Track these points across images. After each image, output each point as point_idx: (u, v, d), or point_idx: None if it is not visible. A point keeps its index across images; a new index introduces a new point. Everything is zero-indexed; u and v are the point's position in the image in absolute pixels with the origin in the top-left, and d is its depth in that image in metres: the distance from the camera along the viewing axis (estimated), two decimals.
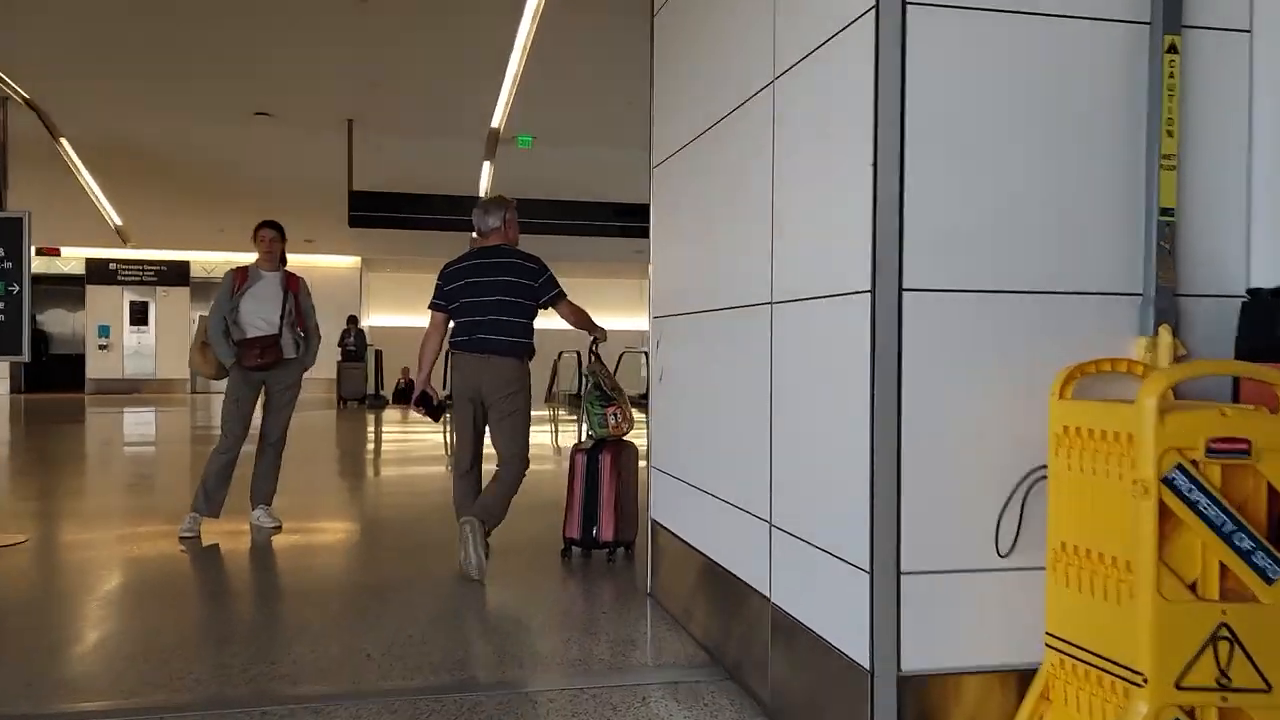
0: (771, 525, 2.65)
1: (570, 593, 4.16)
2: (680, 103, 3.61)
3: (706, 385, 3.25)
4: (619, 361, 19.55)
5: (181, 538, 5.04)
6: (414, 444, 11.72)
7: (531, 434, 4.69)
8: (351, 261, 20.79)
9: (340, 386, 15.85)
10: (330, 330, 16.91)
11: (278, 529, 5.32)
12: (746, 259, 2.87)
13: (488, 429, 4.44)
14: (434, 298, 4.47)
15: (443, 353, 4.69)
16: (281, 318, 5.28)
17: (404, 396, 17.45)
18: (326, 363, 16.53)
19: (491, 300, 4.30)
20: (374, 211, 13.20)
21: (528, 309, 4.37)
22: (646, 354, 14.85)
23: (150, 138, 13.31)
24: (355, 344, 15.88)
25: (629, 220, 14.04)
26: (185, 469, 8.23)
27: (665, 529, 3.71)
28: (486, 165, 14.28)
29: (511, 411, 4.35)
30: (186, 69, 10.24)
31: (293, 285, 5.41)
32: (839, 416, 2.24)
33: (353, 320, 16.27)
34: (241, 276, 5.31)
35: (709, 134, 3.24)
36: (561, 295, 4.49)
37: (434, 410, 4.63)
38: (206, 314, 5.33)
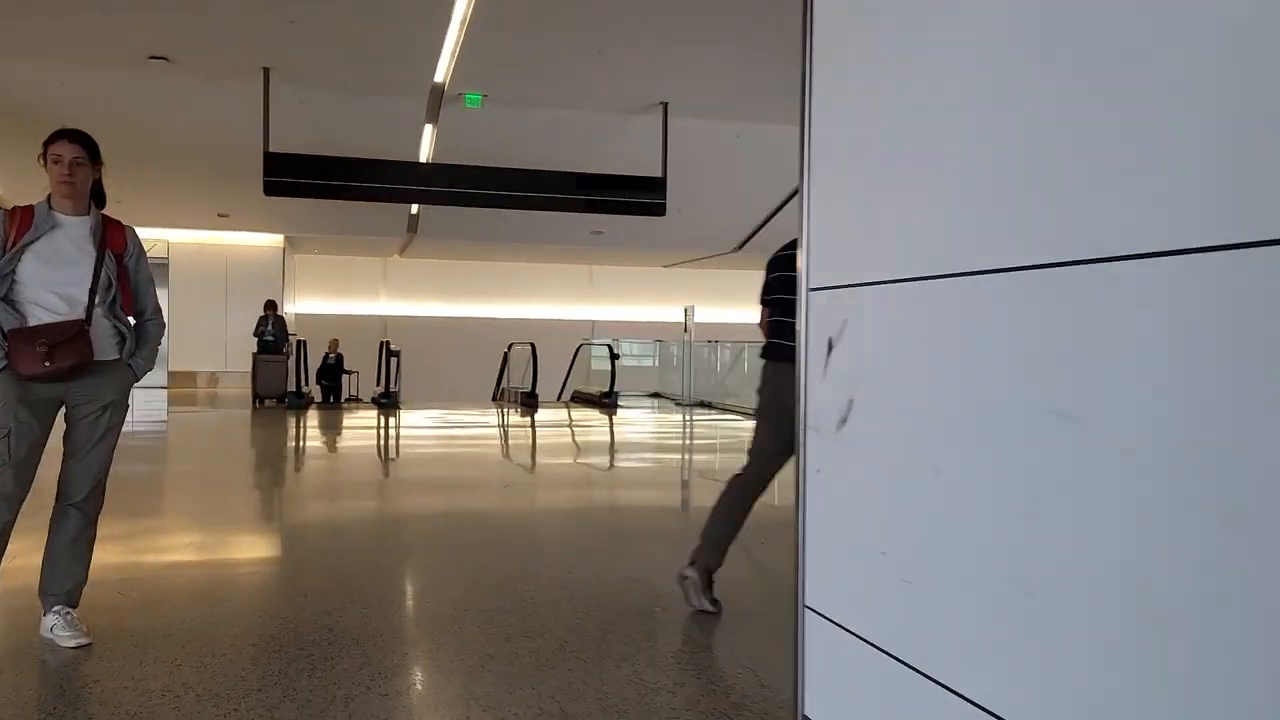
0: None
1: None
2: None
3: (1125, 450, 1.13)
4: (575, 356, 17.41)
5: None
6: (347, 461, 9.40)
7: None
8: (273, 240, 18.24)
9: (256, 383, 13.40)
10: (247, 318, 14.70)
11: (85, 645, 3.09)
12: None
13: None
14: (761, 290, 3.84)
15: None
16: (93, 292, 3.04)
17: (329, 374, 15.03)
18: (241, 355, 14.06)
19: (788, 299, 3.51)
20: (294, 178, 10.85)
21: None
22: (610, 346, 12.81)
23: (24, 85, 10.81)
24: (274, 333, 13.45)
25: (594, 192, 11.91)
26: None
27: None
28: (428, 128, 12.04)
29: None
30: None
31: (113, 239, 3.15)
32: None
33: (270, 305, 13.81)
34: (23, 221, 3.04)
35: None
36: None
37: None
38: None
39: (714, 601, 3.61)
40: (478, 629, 3.35)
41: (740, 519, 3.69)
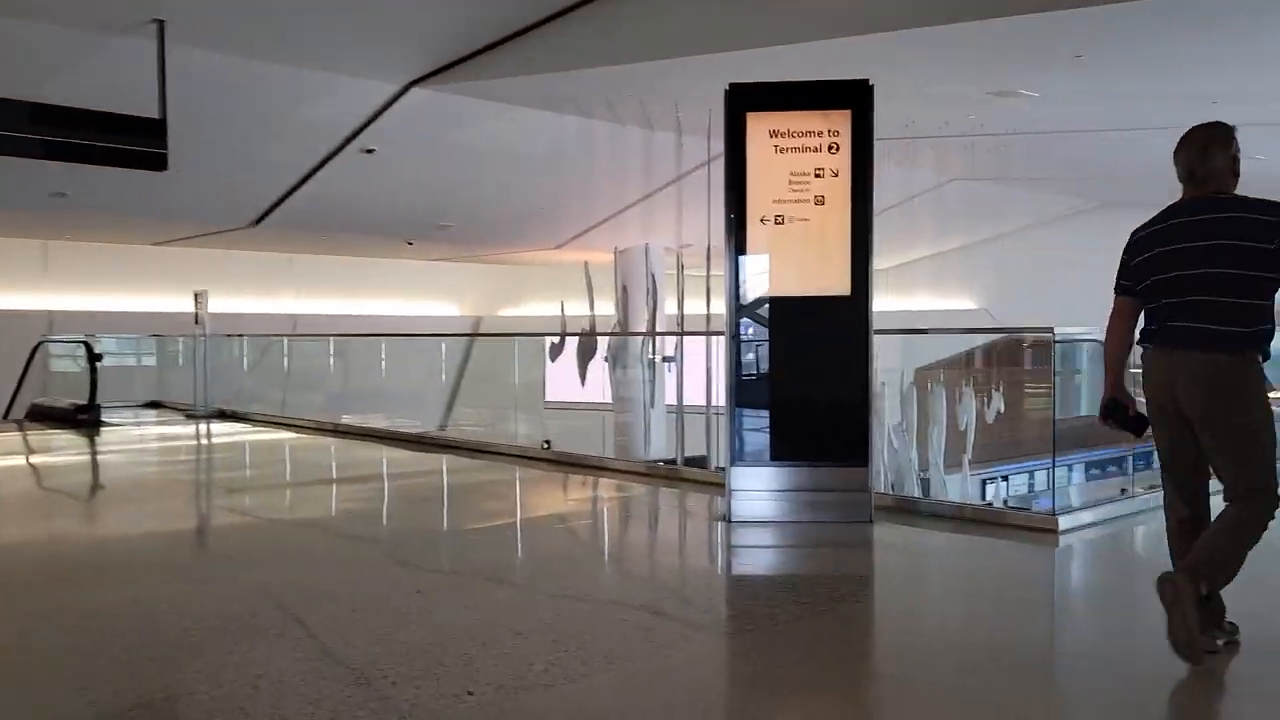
0: None
1: None
2: None
3: None
4: (30, 358, 13.16)
5: None
6: None
7: None
8: None
9: None
10: None
11: None
12: None
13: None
14: (1118, 276, 3.23)
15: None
16: None
17: None
18: None
19: (1194, 275, 3.02)
20: None
21: (1256, 284, 2.96)
22: (88, 344, 9.45)
23: None
24: None
25: (60, 132, 8.52)
26: None
27: None
28: None
29: (1230, 428, 2.99)
30: None
31: None
32: None
33: None
34: None
35: None
36: None
37: (1131, 422, 3.21)
38: None
39: (1226, 627, 2.98)
40: None
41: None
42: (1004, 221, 17.84)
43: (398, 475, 7.79)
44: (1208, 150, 3.05)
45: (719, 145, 13.09)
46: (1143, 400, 3.21)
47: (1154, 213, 3.22)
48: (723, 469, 7.97)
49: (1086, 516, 4.91)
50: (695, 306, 10.98)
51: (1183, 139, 3.11)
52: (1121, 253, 3.23)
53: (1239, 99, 9.03)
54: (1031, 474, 13.62)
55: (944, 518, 5.23)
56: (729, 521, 5.09)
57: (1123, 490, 13.28)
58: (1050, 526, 4.72)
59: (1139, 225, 3.21)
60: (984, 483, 11.61)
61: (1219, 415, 2.97)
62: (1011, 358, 12.11)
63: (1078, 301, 16.42)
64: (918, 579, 4.31)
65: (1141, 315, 3.18)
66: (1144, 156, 13.00)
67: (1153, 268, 3.09)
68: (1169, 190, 3.15)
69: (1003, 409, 10.92)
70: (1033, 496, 13.39)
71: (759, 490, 5.10)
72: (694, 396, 9.81)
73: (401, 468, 8.12)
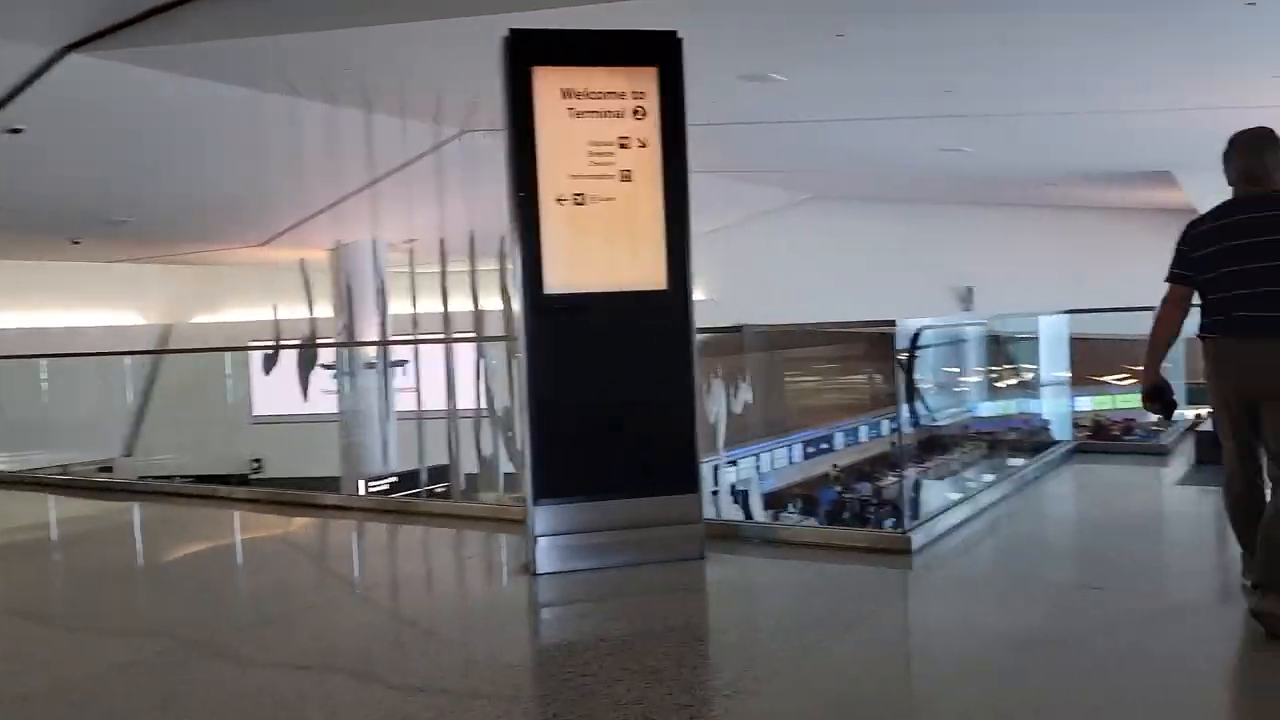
0: None
1: None
2: None
3: None
4: None
5: None
6: None
7: None
8: None
9: None
10: None
11: None
12: None
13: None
14: (1173, 265, 3.41)
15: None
16: None
17: None
18: None
19: (1259, 269, 3.19)
20: None
21: None
22: None
23: None
24: None
25: None
26: None
27: None
28: None
29: None
30: None
31: None
32: None
33: None
34: None
35: None
36: None
37: (1169, 407, 3.48)
38: None
39: None
40: None
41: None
42: (727, 214, 17.95)
43: (76, 543, 5.96)
44: (1263, 153, 3.31)
45: (448, 130, 11.67)
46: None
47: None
48: (468, 490, 6.93)
49: (936, 528, 4.35)
50: (430, 305, 9.77)
51: (1235, 144, 3.37)
52: (1178, 244, 3.39)
53: (970, 90, 9.20)
54: (757, 456, 13.67)
55: (777, 543, 4.50)
56: (535, 575, 4.03)
57: (834, 465, 13.59)
58: (903, 546, 4.10)
59: (1196, 219, 3.40)
60: (715, 469, 11.45)
61: None
62: (720, 347, 12.01)
63: (795, 291, 16.80)
64: (795, 637, 3.45)
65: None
66: (863, 149, 13.39)
67: (1220, 261, 3.25)
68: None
69: (751, 399, 10.66)
70: (762, 478, 13.43)
71: (569, 533, 4.09)
72: (432, 403, 8.80)
73: (79, 528, 6.27)
